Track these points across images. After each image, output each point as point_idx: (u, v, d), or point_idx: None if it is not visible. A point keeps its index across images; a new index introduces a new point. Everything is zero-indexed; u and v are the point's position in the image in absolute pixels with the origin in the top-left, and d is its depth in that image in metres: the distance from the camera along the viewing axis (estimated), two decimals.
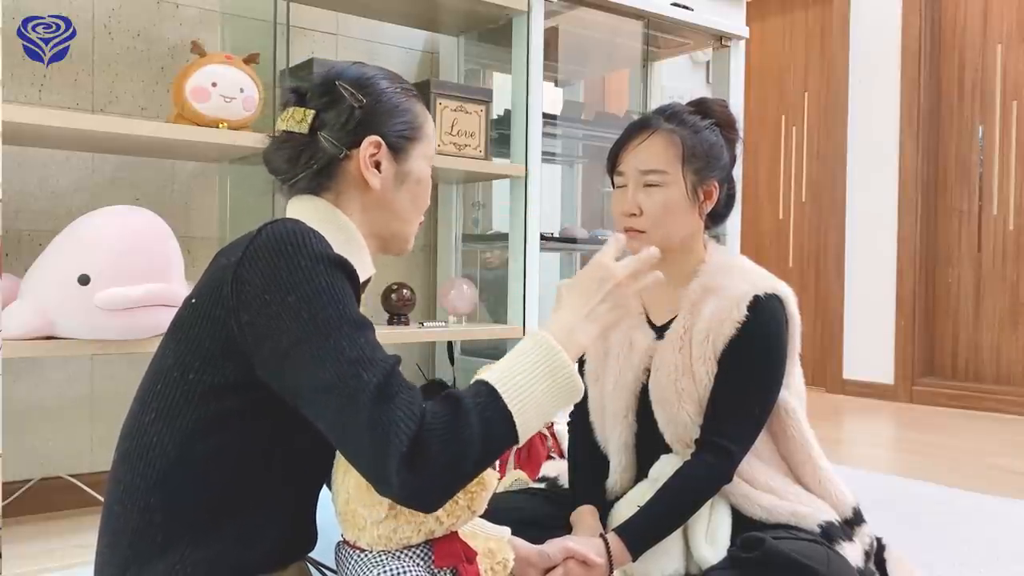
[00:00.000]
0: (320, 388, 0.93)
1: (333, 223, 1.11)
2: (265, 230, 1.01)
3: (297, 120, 1.12)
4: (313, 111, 1.13)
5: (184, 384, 1.00)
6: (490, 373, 1.00)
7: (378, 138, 1.13)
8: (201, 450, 0.99)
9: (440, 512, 1.03)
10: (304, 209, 1.13)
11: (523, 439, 0.99)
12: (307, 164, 1.13)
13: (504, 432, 0.96)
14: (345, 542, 1.10)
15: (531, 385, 0.99)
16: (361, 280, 1.08)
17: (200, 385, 1.00)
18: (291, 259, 0.97)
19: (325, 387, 0.92)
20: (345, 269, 1.01)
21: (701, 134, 1.45)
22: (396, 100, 1.16)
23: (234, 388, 1.00)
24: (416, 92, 1.21)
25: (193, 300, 1.04)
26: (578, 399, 1.04)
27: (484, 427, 0.94)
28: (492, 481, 1.06)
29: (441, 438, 0.91)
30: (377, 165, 1.14)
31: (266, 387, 0.99)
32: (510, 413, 0.96)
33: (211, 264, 1.07)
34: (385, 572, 1.03)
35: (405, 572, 1.03)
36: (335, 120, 1.12)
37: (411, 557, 1.05)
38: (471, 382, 1.02)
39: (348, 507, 1.05)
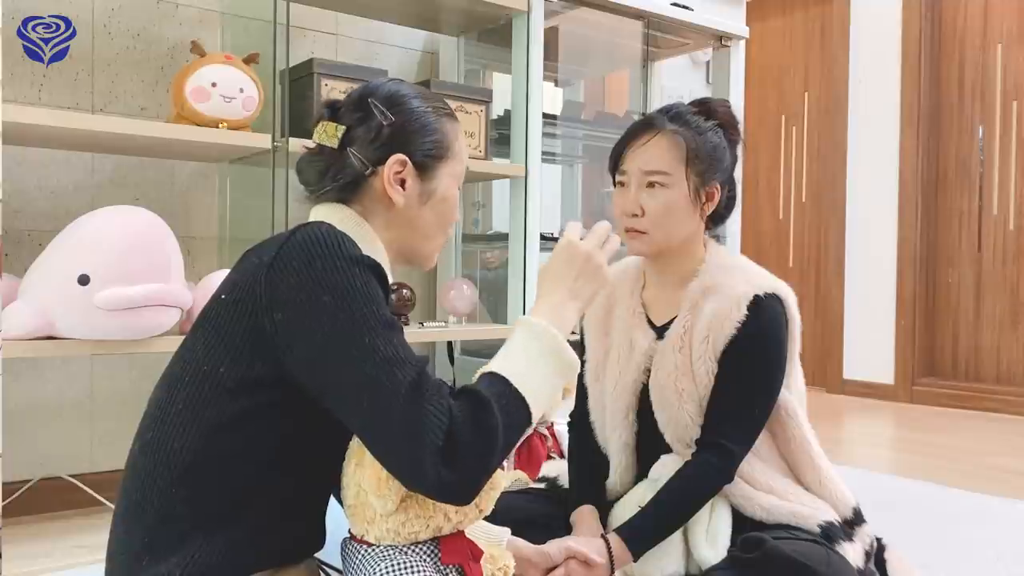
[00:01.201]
0: (354, 386, 0.96)
1: (356, 231, 1.13)
2: (300, 232, 1.04)
3: (329, 134, 1.15)
4: (344, 127, 1.15)
5: (215, 377, 1.02)
6: (494, 364, 1.04)
7: (404, 156, 1.15)
8: (226, 444, 1.01)
9: (449, 509, 1.04)
10: (331, 214, 1.15)
11: (535, 420, 1.05)
12: (334, 178, 1.15)
13: (521, 416, 1.02)
14: (352, 537, 1.10)
15: (535, 367, 1.04)
16: None
17: (230, 380, 1.02)
18: (327, 260, 1.00)
19: (360, 385, 0.95)
20: (377, 272, 1.04)
21: (705, 136, 1.44)
22: (426, 119, 1.18)
23: (262, 385, 1.02)
24: (450, 111, 1.23)
25: (223, 296, 1.06)
26: (576, 372, 1.09)
27: (504, 414, 0.99)
28: (501, 482, 1.07)
29: (470, 430, 0.95)
30: (402, 183, 1.16)
31: (292, 385, 1.01)
32: (523, 397, 1.02)
33: (240, 262, 1.09)
34: (392, 566, 1.03)
35: (411, 567, 1.03)
36: (363, 136, 1.15)
37: (417, 553, 1.05)
38: (476, 377, 1.04)
39: (358, 499, 1.05)
